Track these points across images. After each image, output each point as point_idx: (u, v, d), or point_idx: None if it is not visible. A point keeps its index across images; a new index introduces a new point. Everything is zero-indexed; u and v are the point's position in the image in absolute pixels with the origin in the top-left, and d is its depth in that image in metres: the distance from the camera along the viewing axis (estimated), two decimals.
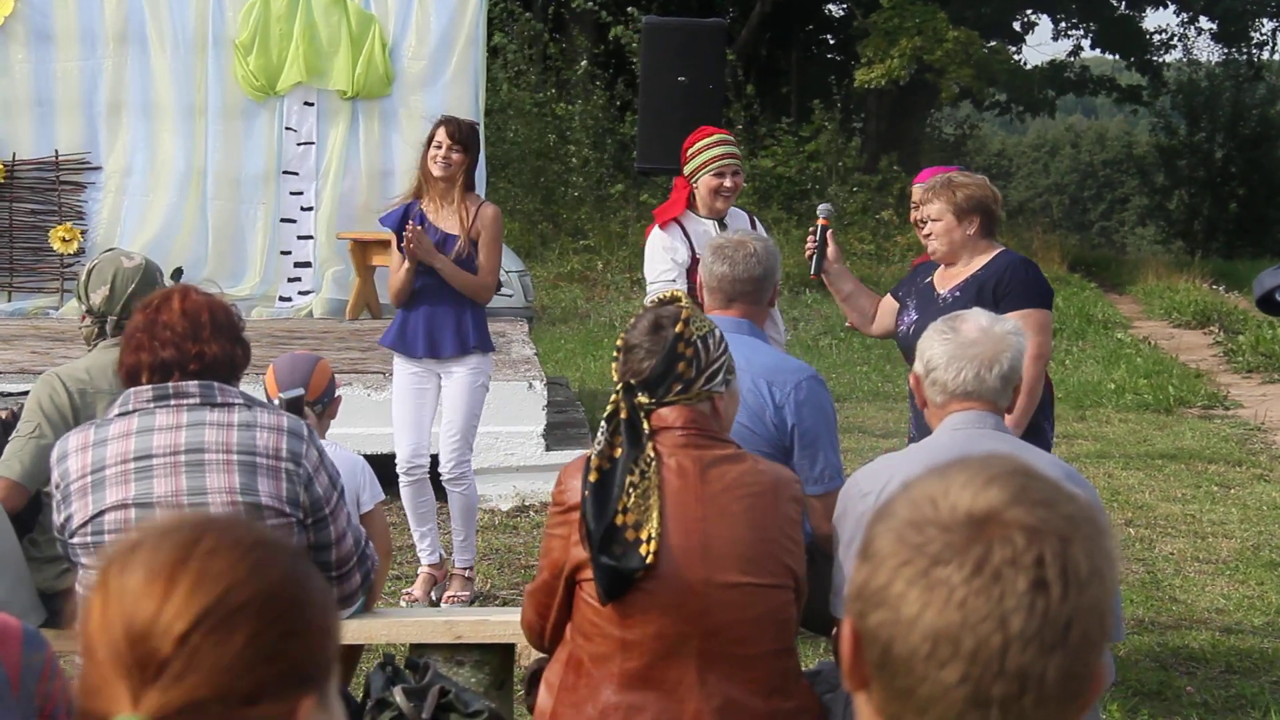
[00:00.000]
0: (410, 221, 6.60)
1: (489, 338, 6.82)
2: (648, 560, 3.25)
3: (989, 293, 5.44)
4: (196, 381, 3.79)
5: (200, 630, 1.49)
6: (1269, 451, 11.06)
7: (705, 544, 3.30)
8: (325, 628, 1.59)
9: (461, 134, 6.66)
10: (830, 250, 5.79)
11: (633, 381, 3.40)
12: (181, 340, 3.79)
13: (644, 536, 3.27)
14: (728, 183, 6.58)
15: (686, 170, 6.65)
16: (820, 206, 5.82)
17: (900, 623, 1.45)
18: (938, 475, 1.52)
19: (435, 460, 6.88)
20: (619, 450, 3.33)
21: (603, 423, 3.38)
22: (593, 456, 3.32)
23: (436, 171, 6.63)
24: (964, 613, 1.42)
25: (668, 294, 3.61)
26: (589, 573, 3.33)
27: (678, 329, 3.43)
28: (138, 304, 4.04)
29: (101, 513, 3.76)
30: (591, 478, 3.30)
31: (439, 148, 6.62)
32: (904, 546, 1.47)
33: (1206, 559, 7.93)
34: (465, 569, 6.97)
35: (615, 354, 3.50)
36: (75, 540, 3.81)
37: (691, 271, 6.42)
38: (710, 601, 3.30)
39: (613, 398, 3.42)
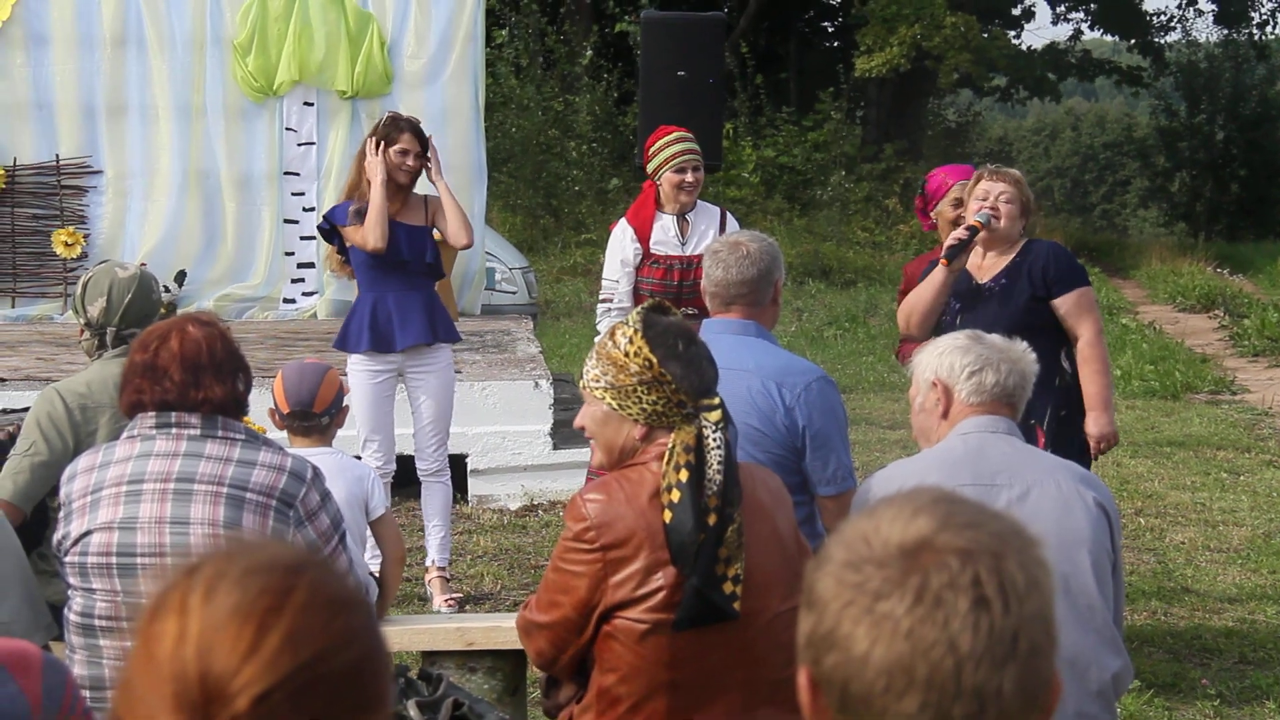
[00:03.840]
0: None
1: (455, 330, 7.02)
2: (736, 606, 3.19)
3: (1038, 277, 5.59)
4: (199, 414, 3.76)
5: (282, 692, 1.44)
6: (1277, 437, 11.04)
7: (746, 577, 3.24)
8: (389, 699, 1.56)
9: (421, 138, 6.80)
10: (964, 258, 5.68)
11: (718, 400, 3.27)
12: (183, 388, 3.74)
13: (730, 575, 3.18)
14: (689, 178, 6.79)
15: (649, 168, 6.87)
16: (980, 214, 5.71)
17: (853, 662, 1.49)
18: (866, 515, 1.57)
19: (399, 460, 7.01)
20: (722, 474, 3.18)
21: (716, 438, 3.19)
22: (720, 480, 3.17)
23: (401, 179, 6.74)
24: (913, 642, 1.47)
25: (656, 302, 3.51)
26: (634, 613, 3.23)
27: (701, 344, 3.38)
28: (133, 340, 3.99)
29: (89, 533, 3.74)
30: (716, 502, 3.16)
31: (404, 154, 6.71)
32: (844, 588, 1.51)
33: (1218, 548, 7.90)
34: (446, 568, 7.00)
35: (652, 361, 3.25)
36: (66, 559, 3.79)
37: (640, 269, 6.74)
38: (754, 633, 3.26)
39: (715, 416, 3.22)
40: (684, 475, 3.16)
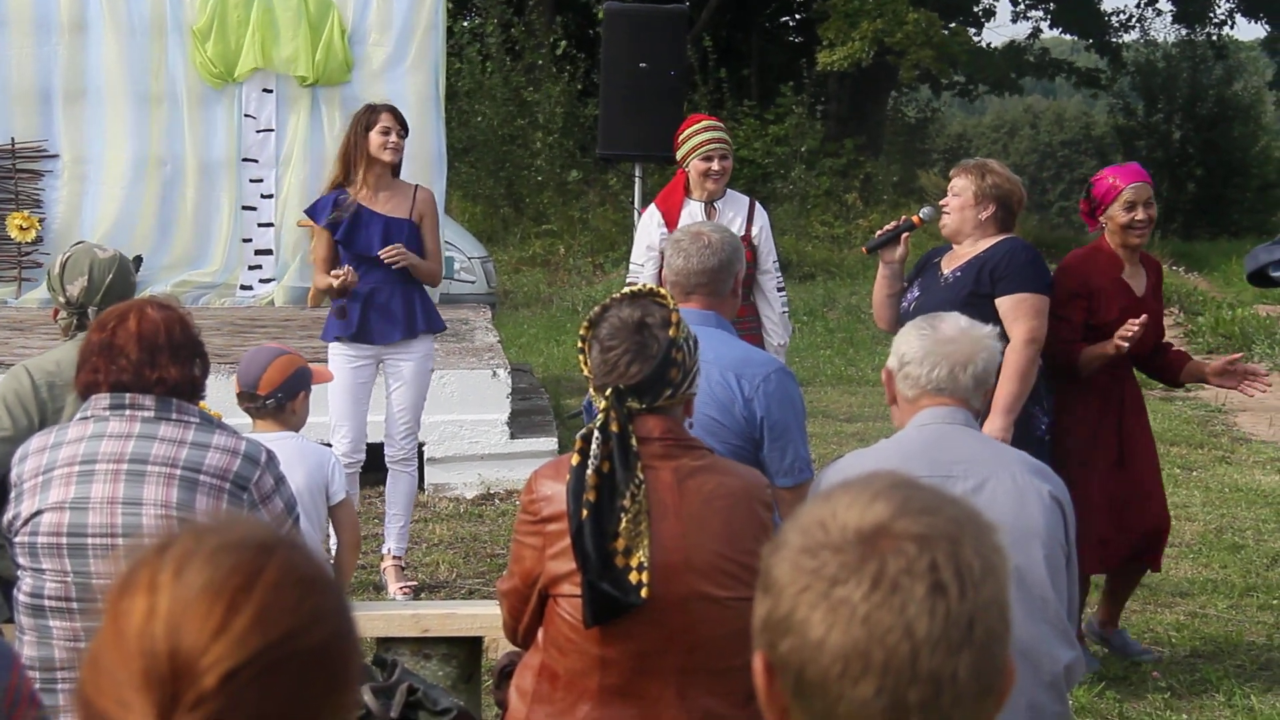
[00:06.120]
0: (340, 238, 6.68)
1: (439, 317, 7.00)
2: (643, 594, 3.19)
3: (987, 274, 5.56)
4: (153, 396, 3.74)
5: (250, 670, 1.43)
6: (1230, 433, 11.12)
7: (687, 560, 3.25)
8: (357, 681, 1.56)
9: (401, 119, 6.82)
10: (899, 250, 5.81)
11: (622, 387, 3.28)
12: (139, 367, 3.72)
13: (634, 564, 3.20)
14: (715, 166, 6.90)
15: (679, 156, 6.98)
16: (924, 210, 5.88)
17: (809, 647, 1.49)
18: (823, 500, 1.57)
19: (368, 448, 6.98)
20: (606, 465, 3.21)
21: (596, 433, 3.23)
22: (589, 474, 3.20)
23: (387, 157, 6.74)
24: (869, 627, 1.46)
25: (643, 287, 3.53)
26: (565, 588, 3.27)
27: (671, 333, 3.33)
28: (95, 319, 3.97)
29: (40, 512, 3.72)
30: (590, 496, 3.19)
31: (386, 133, 6.71)
32: (801, 573, 1.51)
33: (1170, 542, 7.91)
34: (401, 557, 7.00)
35: (581, 345, 3.37)
36: (16, 539, 3.77)
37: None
38: (691, 618, 3.26)
39: (600, 404, 3.28)
40: (574, 458, 3.26)
